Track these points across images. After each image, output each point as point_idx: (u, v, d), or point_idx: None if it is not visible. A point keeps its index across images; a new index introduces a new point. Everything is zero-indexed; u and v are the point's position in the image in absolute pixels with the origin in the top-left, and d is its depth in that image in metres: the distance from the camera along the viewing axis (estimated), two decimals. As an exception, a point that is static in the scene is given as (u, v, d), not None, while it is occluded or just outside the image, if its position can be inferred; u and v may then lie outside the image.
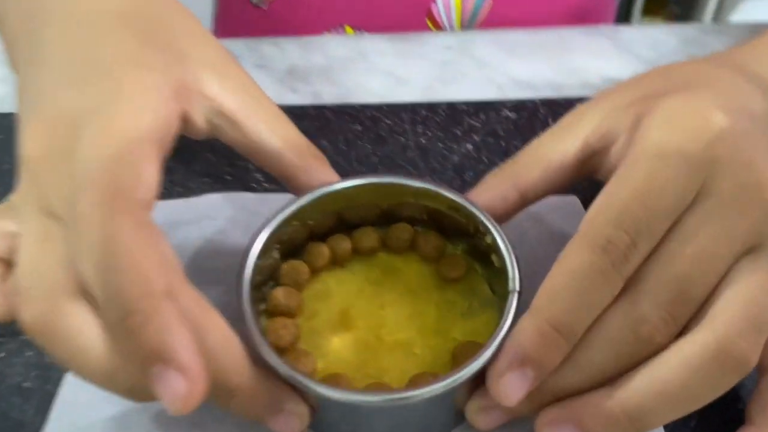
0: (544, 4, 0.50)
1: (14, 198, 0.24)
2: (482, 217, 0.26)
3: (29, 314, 0.21)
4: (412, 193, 0.28)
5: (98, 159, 0.21)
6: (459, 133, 0.37)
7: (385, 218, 0.29)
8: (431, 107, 0.39)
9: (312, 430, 0.25)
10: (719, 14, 1.39)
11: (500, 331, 0.23)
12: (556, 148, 0.27)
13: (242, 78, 0.28)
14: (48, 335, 0.21)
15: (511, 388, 0.21)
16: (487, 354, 0.22)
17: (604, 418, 0.21)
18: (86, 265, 0.20)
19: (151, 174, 0.21)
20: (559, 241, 0.31)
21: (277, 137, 0.27)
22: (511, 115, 0.38)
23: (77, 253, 0.20)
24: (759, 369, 0.24)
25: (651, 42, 0.44)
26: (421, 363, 0.26)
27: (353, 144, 0.37)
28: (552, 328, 0.21)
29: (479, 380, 0.23)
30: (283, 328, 0.25)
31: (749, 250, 0.22)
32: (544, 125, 0.37)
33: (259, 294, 0.26)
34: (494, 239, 0.26)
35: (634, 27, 0.46)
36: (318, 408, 0.23)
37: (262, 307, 0.27)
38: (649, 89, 0.26)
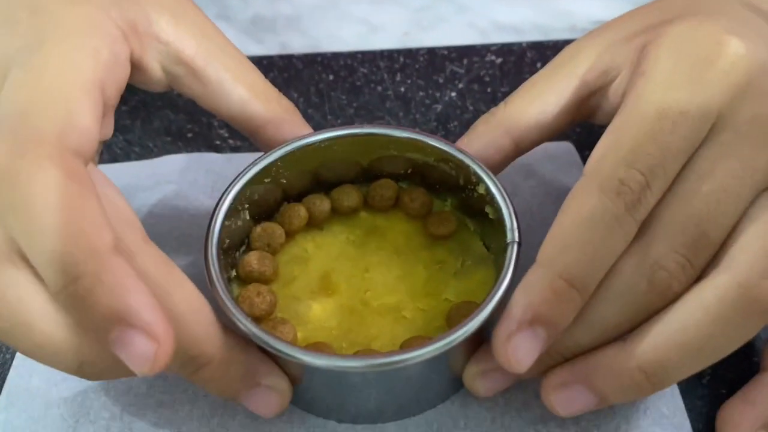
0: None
1: None
2: (474, 166, 0.24)
3: None
4: (395, 145, 0.26)
5: (21, 103, 0.18)
6: (441, 80, 0.35)
7: (366, 176, 0.27)
8: (410, 53, 0.37)
9: (294, 406, 0.23)
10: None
11: (500, 286, 0.21)
12: (551, 88, 0.25)
13: (201, 20, 0.25)
14: None
15: (522, 350, 0.19)
16: (486, 311, 0.20)
17: (618, 376, 0.20)
18: (13, 228, 0.18)
19: (86, 118, 0.19)
20: (554, 192, 0.29)
21: (242, 86, 0.25)
22: (497, 59, 0.36)
23: (2, 214, 0.18)
24: None
25: (640, -19, 0.42)
26: (412, 327, 0.24)
27: (326, 95, 0.35)
28: (565, 281, 0.19)
29: (477, 342, 0.21)
30: (258, 296, 0.23)
31: None
32: (533, 70, 0.34)
33: (229, 259, 0.24)
34: (488, 188, 0.24)
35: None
36: (300, 380, 0.21)
37: (233, 273, 0.25)
38: (652, 19, 0.24)
